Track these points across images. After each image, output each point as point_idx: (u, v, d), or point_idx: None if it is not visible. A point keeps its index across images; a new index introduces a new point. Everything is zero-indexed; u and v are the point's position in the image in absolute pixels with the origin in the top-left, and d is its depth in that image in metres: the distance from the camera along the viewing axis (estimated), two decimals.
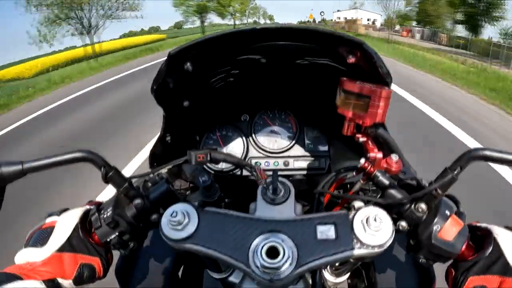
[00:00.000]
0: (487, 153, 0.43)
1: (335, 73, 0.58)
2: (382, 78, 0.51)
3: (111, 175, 0.50)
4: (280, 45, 0.57)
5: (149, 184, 0.56)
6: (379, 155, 0.51)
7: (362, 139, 0.53)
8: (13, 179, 0.46)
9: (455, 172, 0.44)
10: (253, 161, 0.87)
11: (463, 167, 0.44)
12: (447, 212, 0.47)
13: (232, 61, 0.63)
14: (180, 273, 0.72)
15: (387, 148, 0.53)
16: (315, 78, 0.69)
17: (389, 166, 0.49)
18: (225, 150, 0.88)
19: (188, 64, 0.58)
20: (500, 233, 0.45)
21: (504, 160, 0.43)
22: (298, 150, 0.88)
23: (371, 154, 0.51)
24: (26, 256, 0.46)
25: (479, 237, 0.48)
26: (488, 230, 0.47)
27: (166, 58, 0.54)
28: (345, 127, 0.54)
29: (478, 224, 0.49)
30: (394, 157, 0.49)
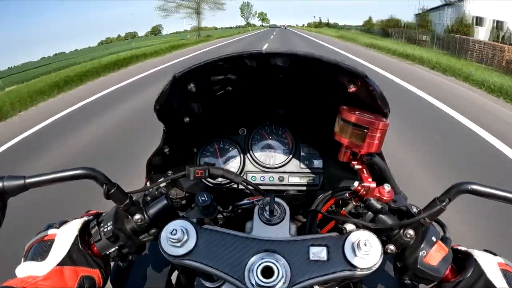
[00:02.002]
0: (475, 187, 0.46)
1: (334, 96, 0.61)
2: (380, 109, 0.54)
3: (113, 192, 0.51)
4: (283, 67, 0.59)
5: (148, 199, 0.58)
6: (373, 185, 0.53)
7: (357, 166, 0.55)
8: (15, 194, 0.47)
9: (444, 203, 0.48)
10: (249, 175, 0.88)
11: (451, 199, 0.48)
12: (433, 239, 0.50)
13: (234, 78, 0.64)
14: (174, 279, 0.73)
15: (380, 176, 0.56)
16: (314, 98, 0.71)
17: (381, 195, 0.52)
18: (221, 162, 0.89)
19: (192, 85, 0.59)
20: (479, 255, 0.49)
21: (491, 195, 0.46)
22: (293, 166, 0.89)
23: (365, 184, 0.53)
24: (28, 269, 0.47)
25: (460, 259, 0.52)
26: (469, 253, 0.51)
27: (170, 80, 0.55)
28: (341, 153, 0.57)
29: (460, 248, 0.53)
30: (387, 187, 0.52)
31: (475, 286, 0.47)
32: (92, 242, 0.54)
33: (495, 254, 0.51)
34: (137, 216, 0.54)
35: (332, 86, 0.59)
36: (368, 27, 37.89)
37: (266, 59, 0.56)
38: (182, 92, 0.60)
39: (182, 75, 0.55)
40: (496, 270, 0.47)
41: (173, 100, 0.60)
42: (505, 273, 0.47)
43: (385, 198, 0.52)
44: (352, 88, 0.54)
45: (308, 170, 0.89)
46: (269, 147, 0.90)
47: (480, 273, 0.47)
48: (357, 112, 0.54)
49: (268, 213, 0.53)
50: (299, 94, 0.71)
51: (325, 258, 0.48)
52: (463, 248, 0.53)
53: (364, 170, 0.55)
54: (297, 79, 0.63)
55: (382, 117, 0.54)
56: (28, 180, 0.47)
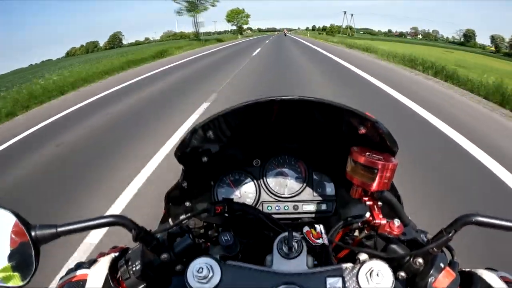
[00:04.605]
0: (479, 218, 0.51)
1: (345, 136, 0.65)
2: (389, 148, 0.58)
3: (141, 236, 0.54)
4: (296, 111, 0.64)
5: (172, 235, 0.61)
6: (383, 221, 0.57)
7: (368, 202, 0.59)
8: (48, 241, 0.49)
9: (450, 234, 0.52)
10: (265, 205, 0.90)
11: (457, 230, 0.52)
12: (441, 265, 0.55)
13: (249, 122, 0.68)
14: None
15: (391, 210, 0.60)
16: (326, 137, 0.75)
17: (392, 230, 0.56)
18: (238, 194, 0.90)
19: (210, 132, 0.62)
20: (483, 273, 0.55)
21: (494, 225, 0.50)
22: (307, 194, 0.91)
23: (376, 221, 0.57)
24: None
25: (466, 279, 0.56)
26: (473, 272, 0.56)
27: (190, 130, 0.59)
28: (353, 190, 0.61)
29: (464, 269, 0.59)
30: (396, 222, 0.56)
31: None
32: (121, 279, 0.56)
33: (496, 270, 0.57)
34: (164, 255, 0.57)
35: (343, 128, 0.63)
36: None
37: (280, 104, 0.60)
38: (201, 139, 0.63)
39: (202, 126, 0.59)
40: (500, 282, 0.53)
41: (193, 147, 0.63)
42: (508, 285, 0.53)
43: (395, 232, 0.56)
44: (362, 130, 0.59)
45: (321, 198, 0.91)
46: (283, 177, 0.92)
47: (487, 285, 0.53)
48: (367, 153, 0.58)
49: (286, 248, 0.57)
50: (312, 132, 0.75)
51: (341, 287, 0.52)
52: (467, 269, 0.58)
53: (375, 206, 0.59)
54: (310, 120, 0.67)
55: (391, 155, 0.59)
56: (60, 229, 0.49)
